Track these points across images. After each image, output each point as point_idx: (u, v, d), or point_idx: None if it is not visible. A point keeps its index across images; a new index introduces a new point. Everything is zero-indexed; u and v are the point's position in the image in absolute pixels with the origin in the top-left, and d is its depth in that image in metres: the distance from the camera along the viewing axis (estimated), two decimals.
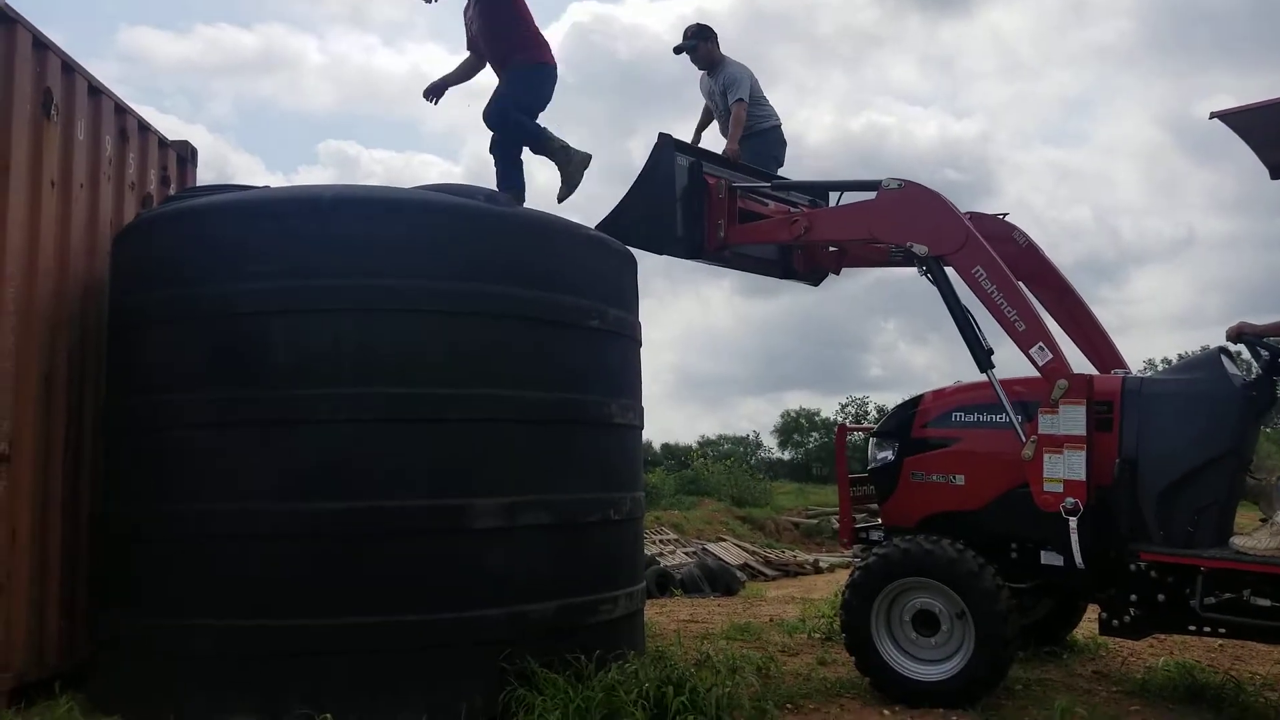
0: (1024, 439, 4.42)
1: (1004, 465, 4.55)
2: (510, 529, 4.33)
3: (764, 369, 69.09)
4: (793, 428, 42.79)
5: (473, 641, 4.19)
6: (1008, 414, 4.51)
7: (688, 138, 6.62)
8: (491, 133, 5.46)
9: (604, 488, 4.84)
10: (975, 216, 5.17)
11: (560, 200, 5.35)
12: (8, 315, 4.35)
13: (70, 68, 4.83)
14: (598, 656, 4.28)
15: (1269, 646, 5.09)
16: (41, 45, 4.60)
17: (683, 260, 5.53)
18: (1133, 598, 4.32)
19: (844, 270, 6.10)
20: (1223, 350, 4.51)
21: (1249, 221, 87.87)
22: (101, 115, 5.13)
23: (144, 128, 5.61)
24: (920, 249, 4.73)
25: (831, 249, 5.92)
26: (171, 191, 5.81)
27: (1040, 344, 4.42)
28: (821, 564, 14.10)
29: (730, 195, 5.43)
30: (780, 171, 6.54)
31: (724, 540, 14.83)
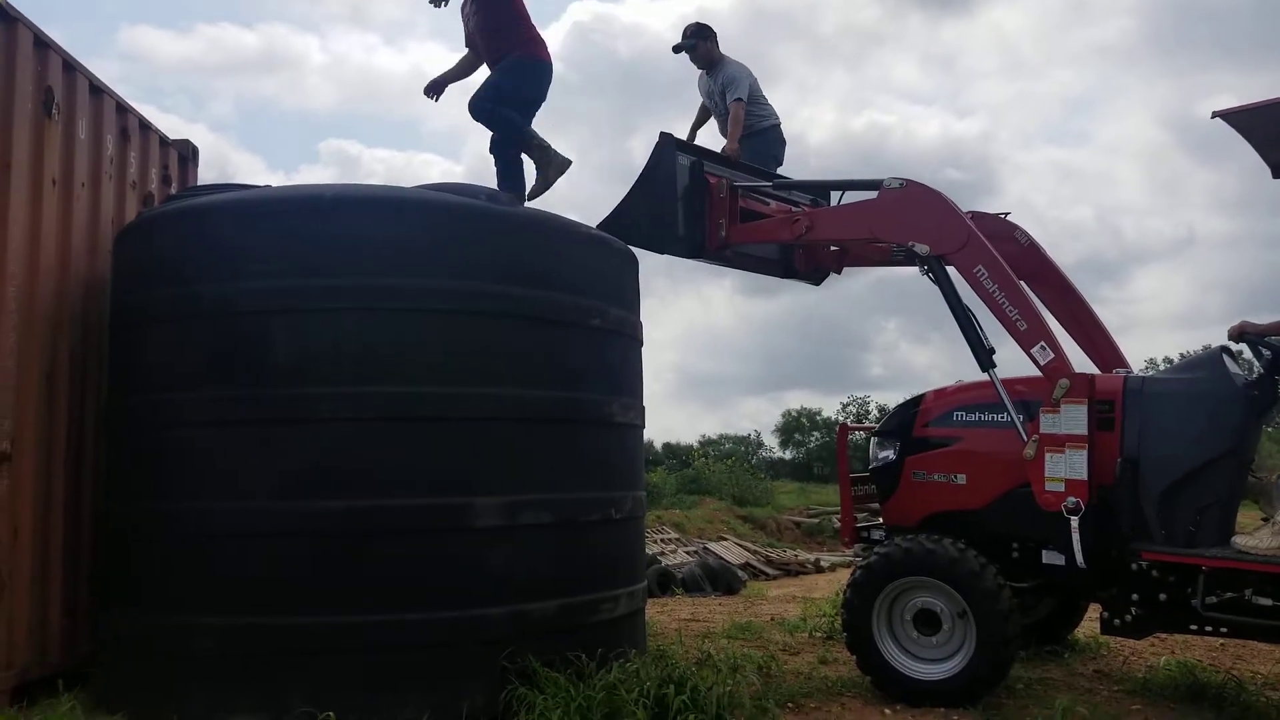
0: (1025, 438, 4.42)
1: (1005, 465, 4.55)
2: (511, 528, 4.33)
3: (765, 368, 69.18)
4: (794, 427, 42.81)
5: (474, 640, 4.19)
6: (1009, 413, 4.51)
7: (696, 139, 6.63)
8: (490, 132, 5.46)
9: (605, 487, 4.84)
10: (977, 216, 5.18)
11: (530, 198, 5.33)
12: (9, 314, 4.35)
13: (71, 67, 4.83)
14: (599, 655, 4.28)
15: (1270, 646, 5.09)
16: (43, 44, 4.60)
17: (684, 259, 5.54)
18: (1134, 597, 4.32)
19: (845, 269, 6.10)
20: (1224, 349, 4.51)
21: (1251, 221, 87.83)
22: (103, 114, 5.13)
23: (145, 127, 5.61)
24: (922, 248, 4.73)
25: (833, 248, 5.92)
26: (173, 191, 5.81)
27: (1042, 343, 4.42)
28: (823, 563, 14.08)
29: (731, 194, 5.43)
30: (781, 171, 6.53)
31: (725, 539, 14.82)
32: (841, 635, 4.92)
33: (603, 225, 5.37)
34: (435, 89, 5.88)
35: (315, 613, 4.06)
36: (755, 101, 6.66)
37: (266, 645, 4.07)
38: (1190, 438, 4.33)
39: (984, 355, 4.63)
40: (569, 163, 5.26)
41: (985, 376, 4.65)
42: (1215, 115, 4.26)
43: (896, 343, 75.02)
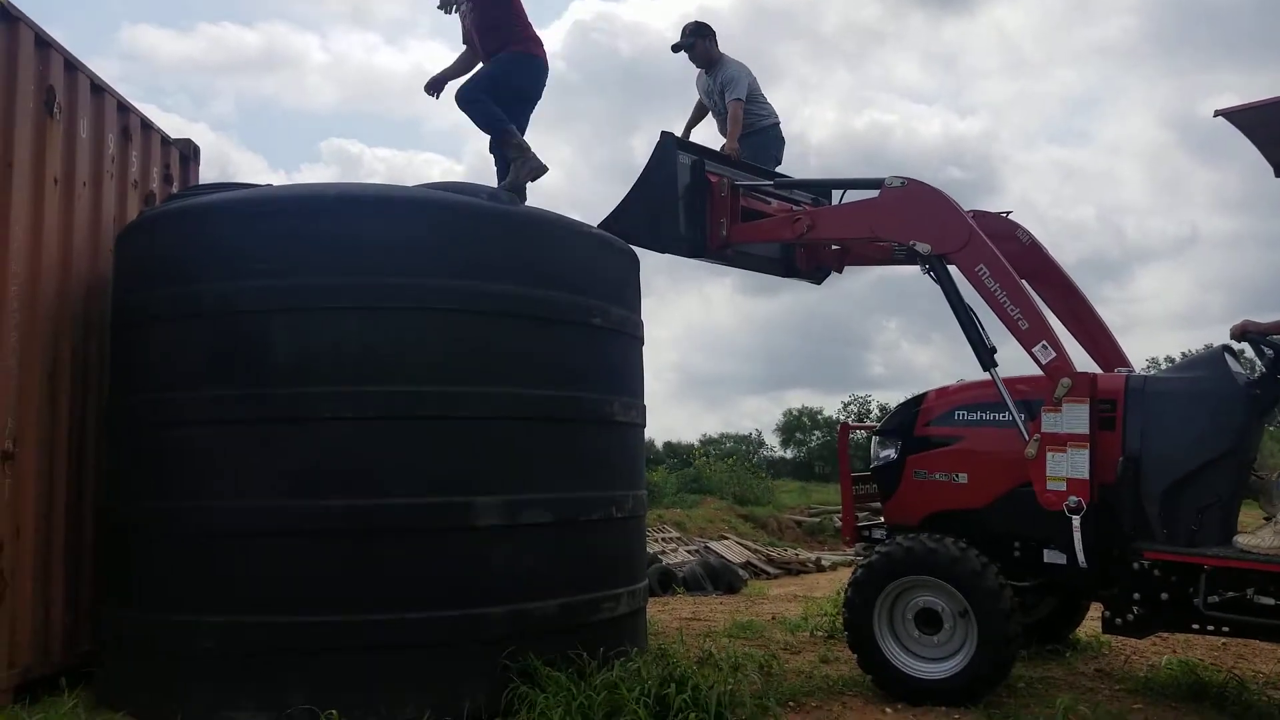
0: (1027, 437, 4.41)
1: (1007, 464, 4.55)
2: (512, 527, 4.33)
3: (766, 367, 69.23)
4: (795, 426, 42.84)
5: (475, 639, 4.19)
6: (1011, 412, 4.50)
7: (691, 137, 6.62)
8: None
9: (606, 486, 4.84)
10: (978, 215, 5.17)
11: (506, 187, 5.20)
12: (11, 313, 4.36)
13: (73, 66, 4.84)
14: (600, 654, 4.29)
15: (1272, 645, 5.09)
16: (44, 43, 4.60)
17: (685, 258, 5.53)
18: (1136, 596, 4.32)
19: (846, 268, 6.09)
20: (1226, 349, 4.50)
21: (1253, 220, 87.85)
22: (104, 113, 5.14)
23: (146, 126, 5.61)
24: (923, 247, 4.72)
25: (834, 247, 5.91)
26: (174, 190, 5.82)
27: (1043, 342, 4.42)
28: (824, 562, 14.08)
29: (733, 193, 5.43)
30: (780, 170, 6.53)
31: (726, 538, 14.82)
32: (843, 634, 4.92)
33: (604, 224, 5.37)
34: (435, 86, 5.89)
35: (316, 612, 4.06)
36: (754, 101, 6.65)
37: (268, 644, 4.07)
38: (1192, 437, 4.32)
39: (985, 354, 4.62)
40: (545, 169, 5.16)
41: (987, 376, 4.65)
42: (1218, 114, 4.26)
43: (898, 342, 75.08)
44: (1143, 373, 4.91)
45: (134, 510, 4.46)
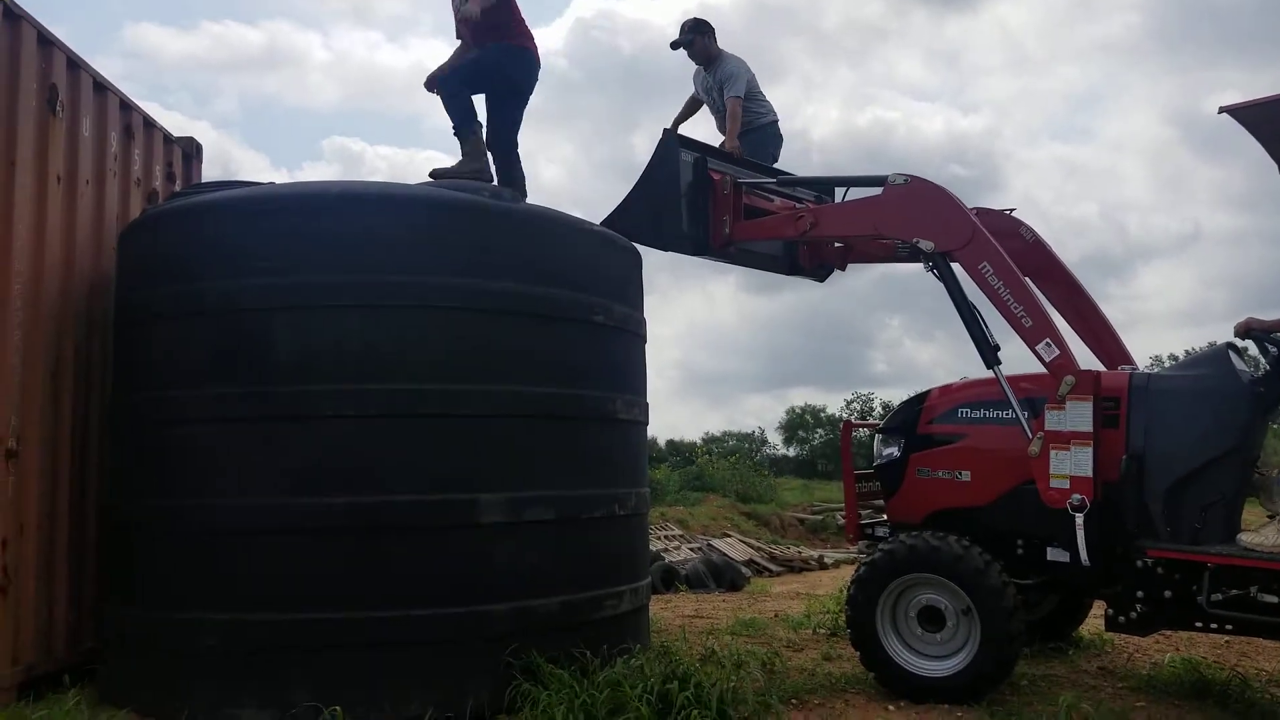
0: (1030, 435, 4.41)
1: (1010, 461, 4.54)
2: (515, 524, 4.33)
3: (769, 365, 69.21)
4: (798, 424, 42.82)
5: (478, 636, 4.19)
6: (1014, 410, 4.49)
7: (683, 132, 6.59)
8: (487, 125, 5.47)
9: (609, 483, 4.84)
10: (982, 212, 5.16)
11: (437, 175, 5.25)
12: (14, 311, 4.37)
13: (75, 64, 4.84)
14: (603, 651, 4.29)
15: (1276, 643, 5.08)
16: (47, 41, 4.60)
17: (688, 256, 5.53)
18: (1139, 594, 4.31)
19: (849, 266, 6.08)
20: (1230, 346, 4.49)
21: (1256, 217, 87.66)
22: (107, 112, 5.14)
23: (149, 124, 5.62)
24: (926, 245, 4.72)
25: (837, 245, 5.90)
26: (177, 188, 5.82)
27: (1047, 340, 4.41)
28: (826, 560, 14.08)
29: (735, 191, 5.42)
30: (778, 167, 6.51)
31: (729, 536, 14.82)
32: (845, 632, 4.92)
33: (606, 222, 5.37)
34: (434, 83, 5.88)
35: (319, 609, 4.06)
36: (752, 98, 6.63)
37: (271, 641, 4.07)
38: (1195, 434, 4.32)
39: (989, 352, 4.62)
40: (490, 181, 5.28)
41: (990, 373, 4.64)
42: (1222, 110, 4.24)
43: (901, 339, 75.01)
44: (1146, 370, 4.91)
45: (137, 508, 4.47)
